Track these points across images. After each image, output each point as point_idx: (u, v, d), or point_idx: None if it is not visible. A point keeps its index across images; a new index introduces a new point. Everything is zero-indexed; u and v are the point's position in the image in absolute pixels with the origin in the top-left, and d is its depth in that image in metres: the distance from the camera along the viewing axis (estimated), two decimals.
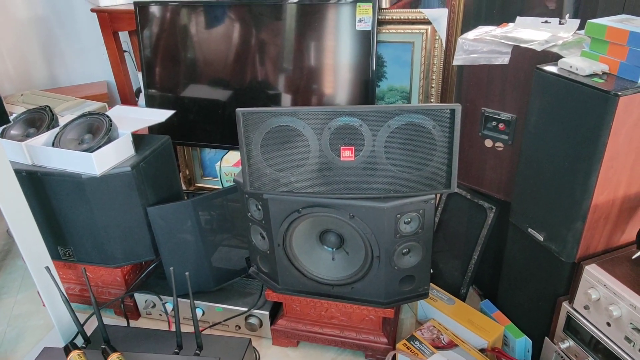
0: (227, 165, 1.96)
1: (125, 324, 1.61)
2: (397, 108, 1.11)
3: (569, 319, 1.21)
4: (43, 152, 1.43)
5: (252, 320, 1.53)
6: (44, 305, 1.67)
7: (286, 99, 1.81)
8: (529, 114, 1.18)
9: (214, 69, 1.84)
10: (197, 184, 2.21)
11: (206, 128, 1.93)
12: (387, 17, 1.68)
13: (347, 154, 1.15)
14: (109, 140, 1.42)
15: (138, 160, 1.45)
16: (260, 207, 1.27)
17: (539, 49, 1.19)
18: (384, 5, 1.67)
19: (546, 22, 1.33)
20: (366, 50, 1.66)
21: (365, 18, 1.63)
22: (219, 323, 1.57)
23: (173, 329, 1.37)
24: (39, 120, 1.58)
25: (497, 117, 1.35)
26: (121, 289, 1.65)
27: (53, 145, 1.45)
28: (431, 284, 1.51)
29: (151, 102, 1.96)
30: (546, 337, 1.31)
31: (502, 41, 1.26)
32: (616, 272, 1.11)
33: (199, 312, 1.57)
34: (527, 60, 1.22)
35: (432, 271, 1.32)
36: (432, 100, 1.74)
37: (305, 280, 1.33)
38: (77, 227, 1.49)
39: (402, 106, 1.12)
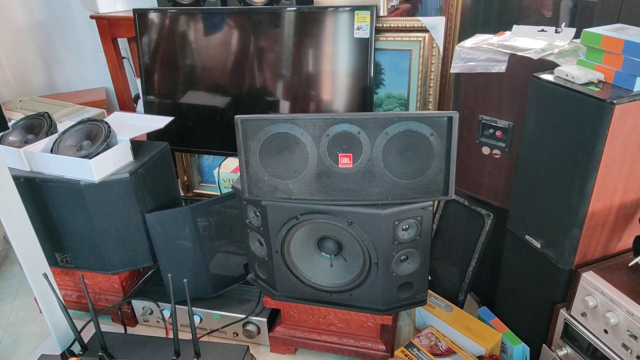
0: (225, 171, 1.96)
1: (123, 331, 1.61)
2: (395, 115, 1.11)
3: (567, 326, 1.22)
4: (41, 159, 1.43)
5: (250, 327, 1.52)
6: (40, 312, 1.66)
7: (284, 105, 1.81)
8: (526, 121, 1.19)
9: (212, 75, 1.85)
10: (195, 190, 2.21)
11: (204, 134, 1.93)
12: (384, 25, 1.69)
13: (345, 161, 1.15)
14: (108, 147, 1.42)
15: (136, 166, 1.45)
16: (258, 213, 1.27)
17: (535, 57, 1.20)
18: (381, 13, 1.68)
19: (542, 30, 1.34)
20: (364, 58, 1.67)
21: (363, 26, 1.65)
22: (217, 330, 1.57)
23: (170, 336, 1.37)
24: (37, 126, 1.58)
25: (494, 124, 1.36)
26: (119, 295, 1.65)
27: (51, 151, 1.45)
28: (429, 291, 1.51)
29: (150, 109, 1.96)
30: (544, 344, 1.31)
31: (499, 49, 1.27)
32: (613, 280, 1.11)
33: (196, 319, 1.56)
34: (524, 68, 1.23)
35: (430, 278, 1.32)
36: (430, 108, 1.75)
37: (304, 287, 1.33)
38: (75, 233, 1.49)
39: (400, 113, 1.13)
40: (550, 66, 1.16)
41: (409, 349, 1.37)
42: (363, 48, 1.66)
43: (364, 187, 1.17)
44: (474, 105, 1.38)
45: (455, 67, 1.35)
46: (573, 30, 1.29)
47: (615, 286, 1.10)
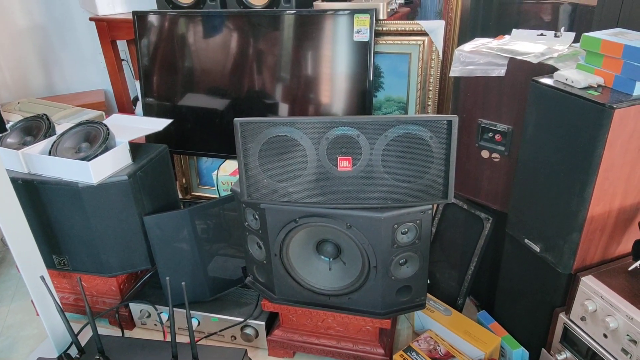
0: (224, 174, 1.96)
1: (120, 334, 1.60)
2: (395, 119, 1.11)
3: (566, 330, 1.21)
4: (40, 161, 1.42)
5: (248, 330, 1.52)
6: (37, 314, 1.65)
7: (283, 108, 1.81)
8: (525, 125, 1.19)
9: (211, 78, 1.85)
10: (194, 193, 2.20)
11: (203, 137, 1.93)
12: (384, 29, 1.69)
13: (344, 164, 1.15)
14: (106, 149, 1.42)
15: (135, 169, 1.45)
16: (257, 216, 1.26)
17: (535, 61, 1.20)
18: (381, 17, 1.69)
19: (542, 34, 1.34)
20: (363, 61, 1.67)
21: (362, 29, 1.65)
22: (215, 333, 1.56)
23: (168, 339, 1.36)
24: (35, 128, 1.57)
25: (493, 128, 1.36)
26: (116, 298, 1.64)
27: (50, 153, 1.45)
28: (428, 295, 1.50)
29: (148, 111, 1.96)
30: (543, 349, 1.31)
31: (499, 53, 1.27)
32: (613, 284, 1.11)
33: (194, 322, 1.55)
34: (523, 72, 1.23)
35: (429, 281, 1.32)
36: (429, 111, 1.75)
37: (302, 291, 1.33)
38: (72, 236, 1.48)
39: (400, 117, 1.12)
40: (550, 70, 1.17)
41: (408, 353, 1.36)
42: (362, 51, 1.66)
43: (363, 190, 1.17)
44: (473, 108, 1.39)
45: (455, 71, 1.35)
46: (572, 35, 1.29)
47: (614, 290, 1.09)
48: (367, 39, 1.65)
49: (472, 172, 1.46)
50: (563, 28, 1.33)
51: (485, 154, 1.40)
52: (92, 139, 1.47)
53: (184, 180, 2.18)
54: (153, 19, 1.85)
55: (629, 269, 1.15)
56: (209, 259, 1.56)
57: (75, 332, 1.33)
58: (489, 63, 1.29)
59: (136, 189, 1.45)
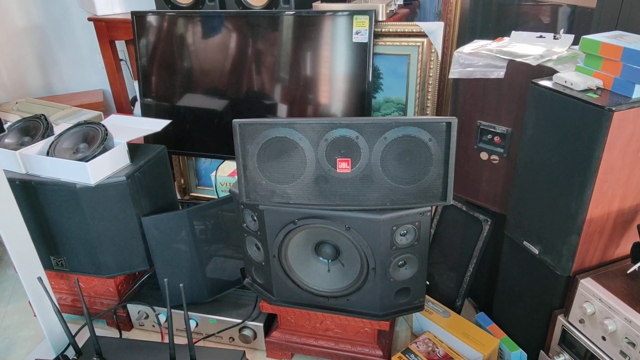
0: (223, 175, 1.96)
1: (118, 335, 1.60)
2: (394, 120, 1.11)
3: (564, 332, 1.21)
4: (37, 161, 1.42)
5: (246, 332, 1.51)
6: (35, 315, 1.65)
7: (282, 109, 1.81)
8: (524, 127, 1.19)
9: (210, 78, 1.85)
10: (192, 194, 2.20)
11: (202, 138, 1.93)
12: (383, 30, 1.69)
13: (343, 166, 1.15)
14: (104, 150, 1.42)
15: (133, 169, 1.45)
16: (255, 218, 1.26)
17: (534, 63, 1.20)
18: (380, 18, 1.68)
19: (541, 36, 1.34)
20: (362, 62, 1.67)
21: (361, 30, 1.65)
22: (213, 335, 1.56)
23: (166, 340, 1.36)
24: (33, 128, 1.57)
25: (492, 130, 1.36)
26: (114, 299, 1.63)
27: (48, 154, 1.44)
28: (426, 296, 1.50)
29: (147, 111, 1.95)
30: (541, 351, 1.31)
31: (498, 55, 1.27)
32: (611, 286, 1.11)
33: (192, 324, 1.55)
34: (522, 74, 1.23)
35: (427, 283, 1.32)
36: (428, 113, 1.75)
37: (301, 292, 1.33)
38: (70, 236, 1.48)
39: (399, 119, 1.12)
40: (549, 72, 1.17)
41: (406, 355, 1.36)
42: (361, 52, 1.66)
43: (362, 192, 1.16)
44: (472, 110, 1.38)
45: (454, 73, 1.35)
46: (571, 37, 1.29)
47: (613, 293, 1.10)
48: (366, 40, 1.65)
49: (471, 174, 1.46)
50: (562, 30, 1.33)
51: (484, 155, 1.40)
52: (90, 140, 1.46)
53: (182, 181, 2.17)
54: (152, 19, 1.84)
55: (628, 271, 1.15)
56: (207, 260, 1.55)
57: (73, 334, 1.32)
58: (488, 65, 1.29)
59: (134, 189, 1.44)
